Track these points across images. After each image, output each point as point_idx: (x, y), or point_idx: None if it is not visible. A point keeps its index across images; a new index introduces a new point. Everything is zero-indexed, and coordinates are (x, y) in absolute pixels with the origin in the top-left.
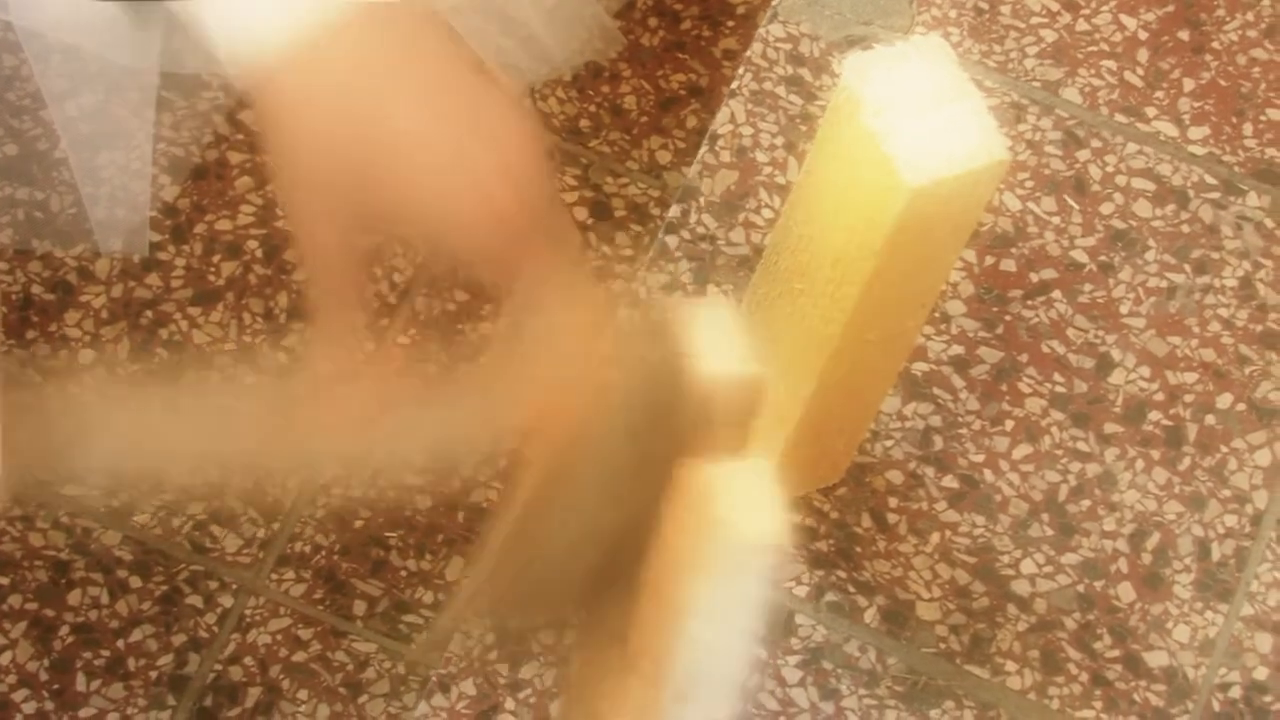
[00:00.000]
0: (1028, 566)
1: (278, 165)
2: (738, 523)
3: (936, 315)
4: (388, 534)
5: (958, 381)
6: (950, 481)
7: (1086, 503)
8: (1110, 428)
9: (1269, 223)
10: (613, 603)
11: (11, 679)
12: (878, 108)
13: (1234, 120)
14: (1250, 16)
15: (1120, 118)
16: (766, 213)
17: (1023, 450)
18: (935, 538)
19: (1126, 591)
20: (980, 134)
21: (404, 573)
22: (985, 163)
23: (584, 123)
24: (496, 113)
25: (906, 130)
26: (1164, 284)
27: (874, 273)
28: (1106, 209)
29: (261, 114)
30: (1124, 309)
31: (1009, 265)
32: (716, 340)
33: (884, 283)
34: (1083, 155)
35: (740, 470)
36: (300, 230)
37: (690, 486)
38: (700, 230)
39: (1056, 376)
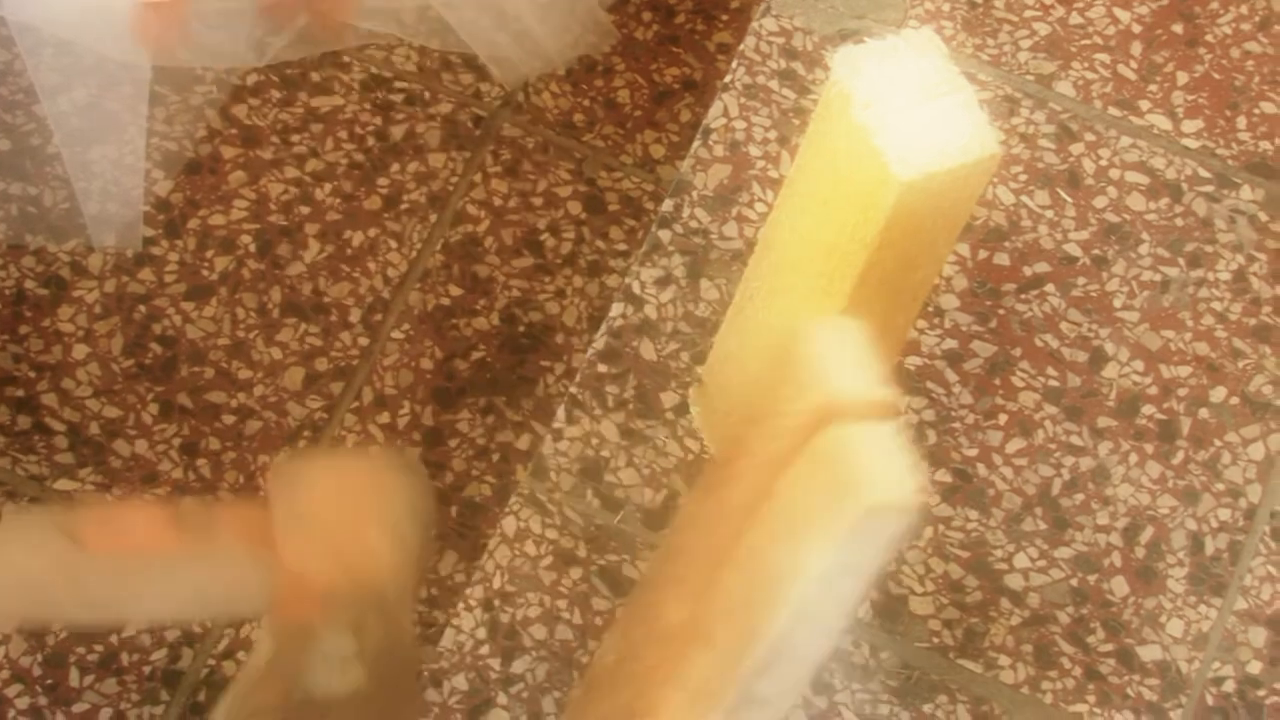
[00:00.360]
0: (1021, 561)
1: None
2: (867, 485)
3: (930, 309)
4: None
5: (951, 375)
6: (943, 475)
7: (1080, 497)
8: (1104, 421)
9: (1262, 216)
10: (673, 579)
11: (5, 674)
12: (868, 102)
13: (1227, 114)
14: (1244, 10)
15: (1114, 111)
16: (759, 207)
17: (1016, 444)
18: (928, 532)
19: (1120, 586)
20: (971, 128)
21: None
22: (976, 157)
23: (578, 117)
24: None
25: (897, 124)
26: (1157, 278)
27: (866, 266)
28: (1100, 202)
29: None
30: (1117, 303)
31: (1002, 259)
32: (845, 362)
33: (876, 276)
34: (1076, 149)
35: (871, 433)
36: None
37: (817, 447)
38: (693, 224)
39: (1050, 370)
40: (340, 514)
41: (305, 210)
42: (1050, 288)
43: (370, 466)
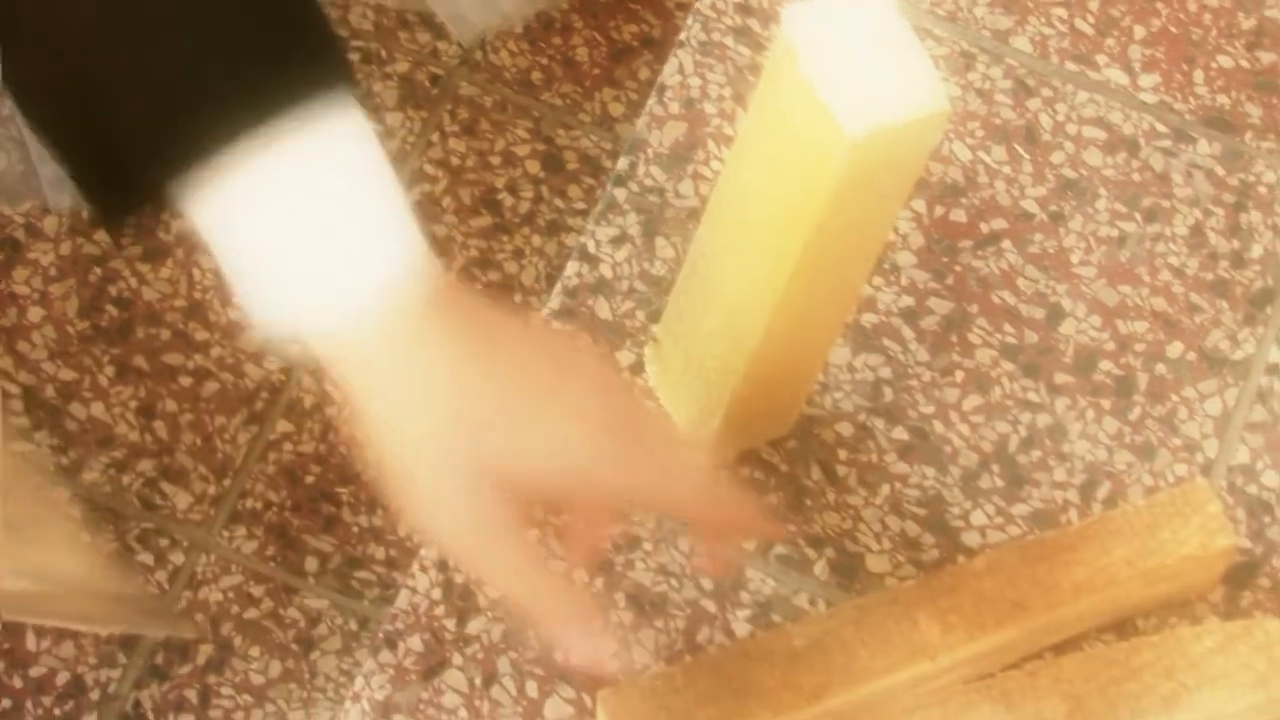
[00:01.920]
0: (978, 518)
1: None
2: None
3: (886, 266)
4: (339, 490)
5: (907, 333)
6: (900, 433)
7: (1037, 453)
8: (1061, 378)
9: (1220, 170)
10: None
11: None
12: (817, 59)
13: (1185, 68)
14: None
15: (1071, 66)
16: (715, 164)
17: (973, 401)
18: (885, 490)
19: None
20: (922, 84)
21: (356, 529)
22: (927, 113)
23: (535, 75)
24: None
25: (846, 81)
26: (1114, 233)
27: (817, 225)
28: (1057, 158)
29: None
30: (1074, 258)
31: (959, 215)
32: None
33: (827, 234)
34: (1033, 104)
35: None
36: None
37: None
38: (649, 182)
39: (1007, 327)
40: None
41: None
42: (1007, 244)
43: None
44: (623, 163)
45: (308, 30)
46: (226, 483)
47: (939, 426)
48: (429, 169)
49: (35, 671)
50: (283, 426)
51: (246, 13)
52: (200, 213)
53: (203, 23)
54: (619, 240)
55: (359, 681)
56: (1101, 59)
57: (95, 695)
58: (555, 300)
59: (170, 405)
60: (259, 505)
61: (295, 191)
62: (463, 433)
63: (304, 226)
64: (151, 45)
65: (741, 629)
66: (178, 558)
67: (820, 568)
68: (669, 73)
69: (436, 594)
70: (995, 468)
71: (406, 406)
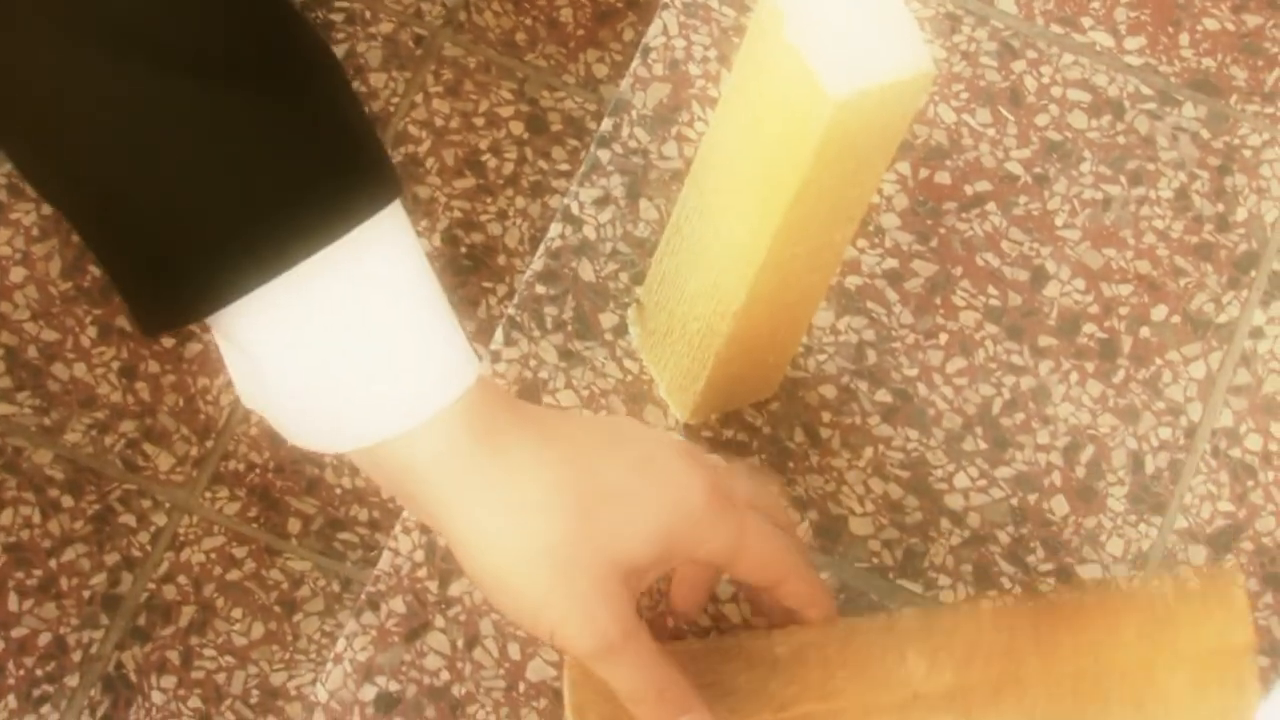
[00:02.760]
0: (961, 480)
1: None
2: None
3: (870, 228)
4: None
5: (891, 295)
6: (884, 396)
7: (1020, 416)
8: (1044, 340)
9: (1205, 133)
10: None
11: None
12: (801, 20)
13: (1170, 30)
14: None
15: (1056, 28)
16: (699, 126)
17: (957, 364)
18: (868, 452)
19: (1060, 505)
20: (906, 46)
21: (339, 490)
22: (911, 75)
23: (520, 36)
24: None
25: (830, 43)
26: (1099, 196)
27: (800, 186)
28: (1042, 120)
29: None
30: (1059, 221)
31: (943, 178)
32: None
33: (811, 196)
34: (1018, 66)
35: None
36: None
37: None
38: (632, 144)
39: (991, 289)
40: None
41: None
42: (991, 206)
43: None
44: (607, 124)
45: (357, 148)
46: (209, 444)
47: (922, 389)
48: (412, 130)
49: (17, 632)
50: None
51: (295, 133)
52: (246, 334)
53: (253, 144)
54: (602, 202)
55: (341, 643)
56: (1087, 21)
57: (77, 656)
58: (538, 262)
59: (152, 366)
60: (241, 466)
61: (344, 314)
62: (569, 530)
63: (353, 350)
64: (202, 167)
65: (724, 590)
66: (160, 519)
67: (803, 530)
68: (653, 34)
69: (419, 556)
70: (978, 430)
71: (497, 527)
